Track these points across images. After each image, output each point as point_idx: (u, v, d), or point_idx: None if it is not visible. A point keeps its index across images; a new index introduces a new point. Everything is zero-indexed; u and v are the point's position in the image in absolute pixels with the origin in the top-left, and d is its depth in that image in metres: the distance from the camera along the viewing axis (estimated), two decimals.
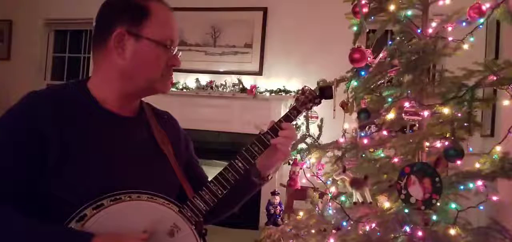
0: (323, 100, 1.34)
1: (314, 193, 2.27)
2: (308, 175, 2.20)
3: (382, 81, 2.03)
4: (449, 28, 2.01)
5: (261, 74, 5.00)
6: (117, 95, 1.10)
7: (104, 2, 1.12)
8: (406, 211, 1.76)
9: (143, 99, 1.22)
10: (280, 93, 4.76)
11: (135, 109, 1.17)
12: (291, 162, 3.56)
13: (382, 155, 2.09)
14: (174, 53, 1.12)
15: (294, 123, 1.27)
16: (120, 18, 1.07)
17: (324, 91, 1.31)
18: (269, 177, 1.28)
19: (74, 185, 0.99)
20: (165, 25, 1.10)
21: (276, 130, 1.19)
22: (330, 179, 2.11)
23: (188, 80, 5.12)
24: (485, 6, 1.88)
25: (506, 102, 1.78)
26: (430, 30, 1.96)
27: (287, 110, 1.27)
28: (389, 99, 2.02)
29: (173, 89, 5.07)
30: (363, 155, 2.09)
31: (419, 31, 1.97)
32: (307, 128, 2.30)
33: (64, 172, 0.98)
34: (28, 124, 0.99)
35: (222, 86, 4.99)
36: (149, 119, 1.18)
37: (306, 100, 1.28)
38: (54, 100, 1.04)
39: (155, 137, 1.15)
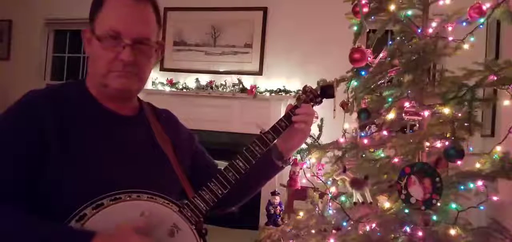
0: (324, 100, 1.34)
1: (314, 193, 2.26)
2: (308, 175, 2.19)
3: (382, 81, 2.03)
4: (449, 28, 2.00)
5: (261, 74, 5.00)
6: (103, 95, 1.10)
7: None
8: (406, 211, 1.76)
9: (143, 99, 1.22)
10: (280, 93, 4.76)
11: (134, 109, 1.17)
12: (291, 162, 3.55)
13: (382, 155, 2.09)
14: (124, 45, 1.02)
15: None
16: (90, 16, 1.08)
17: (326, 91, 1.31)
18: (291, 160, 1.30)
19: (74, 185, 0.98)
20: (110, 16, 1.02)
21: (290, 117, 1.22)
22: (330, 179, 2.10)
23: (188, 80, 5.12)
24: (486, 6, 1.87)
25: (506, 102, 1.77)
26: (430, 30, 1.96)
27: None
28: (389, 99, 2.02)
29: (173, 89, 5.07)
30: (363, 155, 2.08)
31: (419, 31, 1.97)
32: None
33: (63, 171, 0.98)
34: (27, 123, 0.99)
35: (222, 86, 4.99)
36: (148, 119, 1.18)
37: (307, 99, 1.28)
38: (54, 99, 1.04)
39: (155, 136, 1.15)
